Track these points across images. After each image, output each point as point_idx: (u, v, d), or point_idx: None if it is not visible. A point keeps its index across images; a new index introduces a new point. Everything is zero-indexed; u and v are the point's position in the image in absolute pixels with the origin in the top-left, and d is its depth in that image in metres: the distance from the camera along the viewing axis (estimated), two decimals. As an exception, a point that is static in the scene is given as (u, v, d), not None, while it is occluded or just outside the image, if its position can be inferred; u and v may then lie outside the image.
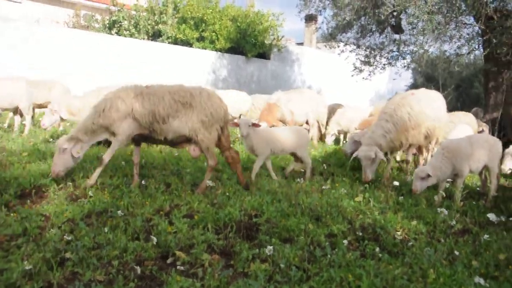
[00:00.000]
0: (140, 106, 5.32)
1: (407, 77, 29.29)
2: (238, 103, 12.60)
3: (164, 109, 5.34)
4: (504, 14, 12.86)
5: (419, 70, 26.22)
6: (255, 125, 6.32)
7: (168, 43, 20.22)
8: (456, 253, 4.04)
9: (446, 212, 5.04)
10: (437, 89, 15.12)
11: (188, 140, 5.65)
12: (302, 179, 6.57)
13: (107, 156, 5.46)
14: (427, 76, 27.11)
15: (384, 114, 6.98)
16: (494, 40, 12.85)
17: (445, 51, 15.54)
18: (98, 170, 5.47)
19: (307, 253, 3.90)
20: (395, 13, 14.45)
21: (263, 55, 22.89)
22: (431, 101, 7.33)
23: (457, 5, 13.19)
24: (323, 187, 6.18)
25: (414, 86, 26.74)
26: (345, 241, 4.17)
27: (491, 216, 4.92)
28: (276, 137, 6.55)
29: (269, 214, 4.76)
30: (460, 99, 26.57)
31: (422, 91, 7.79)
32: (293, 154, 6.88)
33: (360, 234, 4.50)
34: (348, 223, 4.77)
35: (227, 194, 5.47)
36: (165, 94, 5.41)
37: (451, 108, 18.02)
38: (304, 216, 4.81)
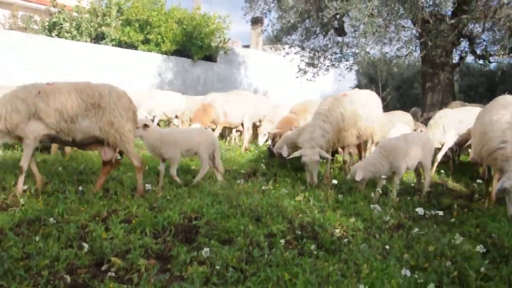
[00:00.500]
0: (45, 105, 5.06)
1: (352, 78, 30.01)
2: (176, 104, 12.47)
3: (73, 108, 5.12)
4: (439, 18, 13.54)
5: (361, 71, 27.02)
6: (146, 126, 5.89)
7: (112, 45, 19.70)
8: (387, 247, 4.18)
9: (379, 208, 5.20)
10: (378, 89, 15.66)
11: (99, 142, 5.49)
12: (242, 180, 6.56)
13: (24, 162, 5.22)
14: (370, 77, 27.95)
15: (319, 114, 6.97)
16: (429, 42, 13.50)
17: (386, 53, 16.15)
18: (21, 179, 5.23)
19: (245, 253, 3.89)
20: (338, 16, 14.84)
21: (210, 57, 22.80)
22: (364, 101, 7.42)
23: (396, 8, 13.74)
24: (264, 187, 6.20)
25: (358, 87, 27.38)
26: (283, 240, 4.21)
27: (420, 210, 5.15)
28: (181, 138, 6.34)
29: (209, 216, 4.72)
30: (401, 100, 27.57)
31: (355, 91, 7.97)
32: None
33: (299, 233, 4.54)
34: (287, 223, 4.81)
35: (168, 197, 5.39)
36: (71, 92, 5.16)
37: (391, 108, 18.72)
38: (244, 217, 4.81)
